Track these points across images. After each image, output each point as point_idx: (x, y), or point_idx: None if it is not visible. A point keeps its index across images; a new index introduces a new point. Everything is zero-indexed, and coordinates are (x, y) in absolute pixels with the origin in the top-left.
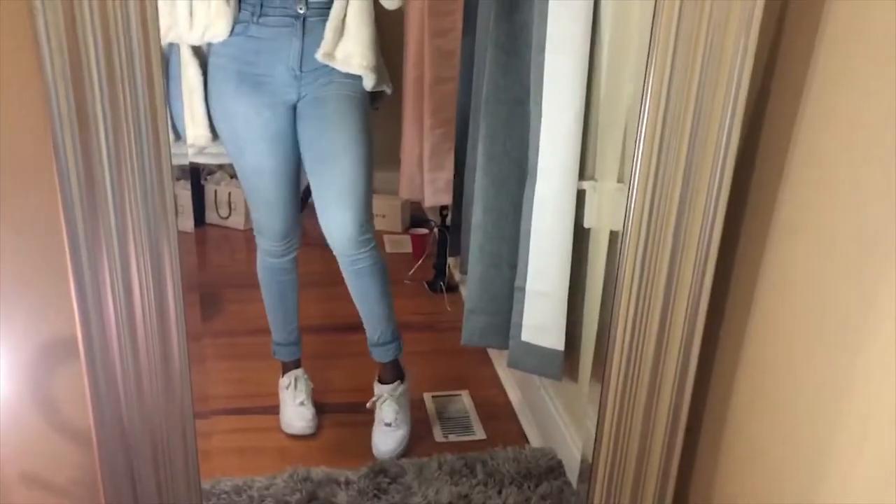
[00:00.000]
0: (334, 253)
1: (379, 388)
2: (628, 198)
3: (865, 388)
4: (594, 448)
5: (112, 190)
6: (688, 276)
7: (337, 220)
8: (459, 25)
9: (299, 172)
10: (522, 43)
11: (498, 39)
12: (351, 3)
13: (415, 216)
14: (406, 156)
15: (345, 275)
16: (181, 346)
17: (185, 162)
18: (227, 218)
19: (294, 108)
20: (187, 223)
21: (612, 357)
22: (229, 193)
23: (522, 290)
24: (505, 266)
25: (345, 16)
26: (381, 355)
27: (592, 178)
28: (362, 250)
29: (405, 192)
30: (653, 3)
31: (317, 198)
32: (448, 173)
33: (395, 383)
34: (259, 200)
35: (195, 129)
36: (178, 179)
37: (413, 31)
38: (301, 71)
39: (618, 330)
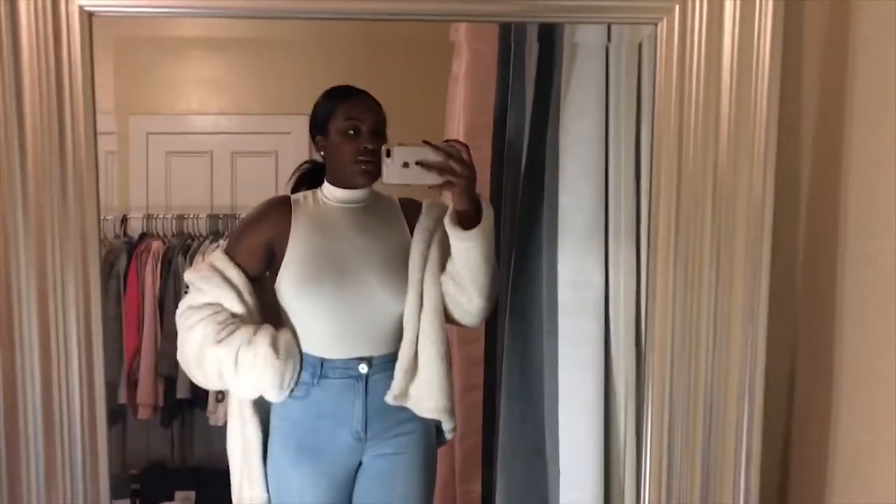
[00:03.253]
0: None
1: None
2: None
3: None
4: None
5: None
6: None
7: None
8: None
9: None
10: (536, 394)
11: (511, 389)
12: (421, 339)
13: None
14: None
15: None
16: None
17: None
18: None
19: (355, 470)
20: None
21: None
22: None
23: None
24: None
25: (415, 354)
26: None
27: None
28: None
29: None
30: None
31: None
32: (478, 486)
33: None
34: None
35: (252, 490)
36: None
37: None
38: (366, 434)
39: None
